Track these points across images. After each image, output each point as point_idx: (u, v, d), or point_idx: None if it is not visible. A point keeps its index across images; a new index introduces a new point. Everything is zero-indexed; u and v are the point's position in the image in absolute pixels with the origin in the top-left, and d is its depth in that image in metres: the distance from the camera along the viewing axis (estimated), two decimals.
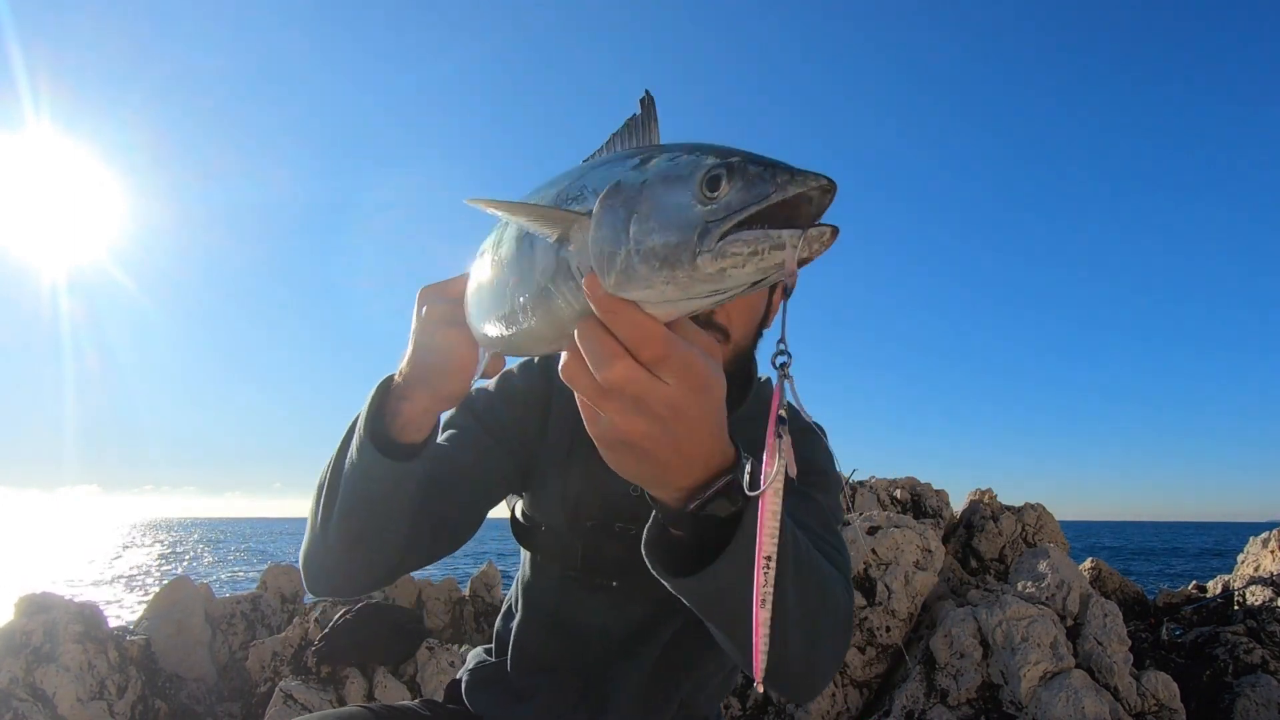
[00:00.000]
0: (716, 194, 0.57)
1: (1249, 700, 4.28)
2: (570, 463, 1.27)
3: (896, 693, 3.98)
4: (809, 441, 1.25)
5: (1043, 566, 4.39)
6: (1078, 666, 3.79)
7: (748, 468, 0.69)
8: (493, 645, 1.42)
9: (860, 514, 4.71)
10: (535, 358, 1.36)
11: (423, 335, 0.86)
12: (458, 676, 1.42)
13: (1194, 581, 7.24)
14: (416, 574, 6.30)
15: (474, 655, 1.44)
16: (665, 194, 0.59)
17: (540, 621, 1.30)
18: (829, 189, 0.57)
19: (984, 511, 6.13)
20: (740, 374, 1.30)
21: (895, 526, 4.42)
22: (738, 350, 1.24)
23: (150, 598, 5.03)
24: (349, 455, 0.95)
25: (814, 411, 0.72)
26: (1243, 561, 6.41)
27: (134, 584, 24.25)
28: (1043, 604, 4.08)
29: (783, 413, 0.62)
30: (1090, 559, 7.02)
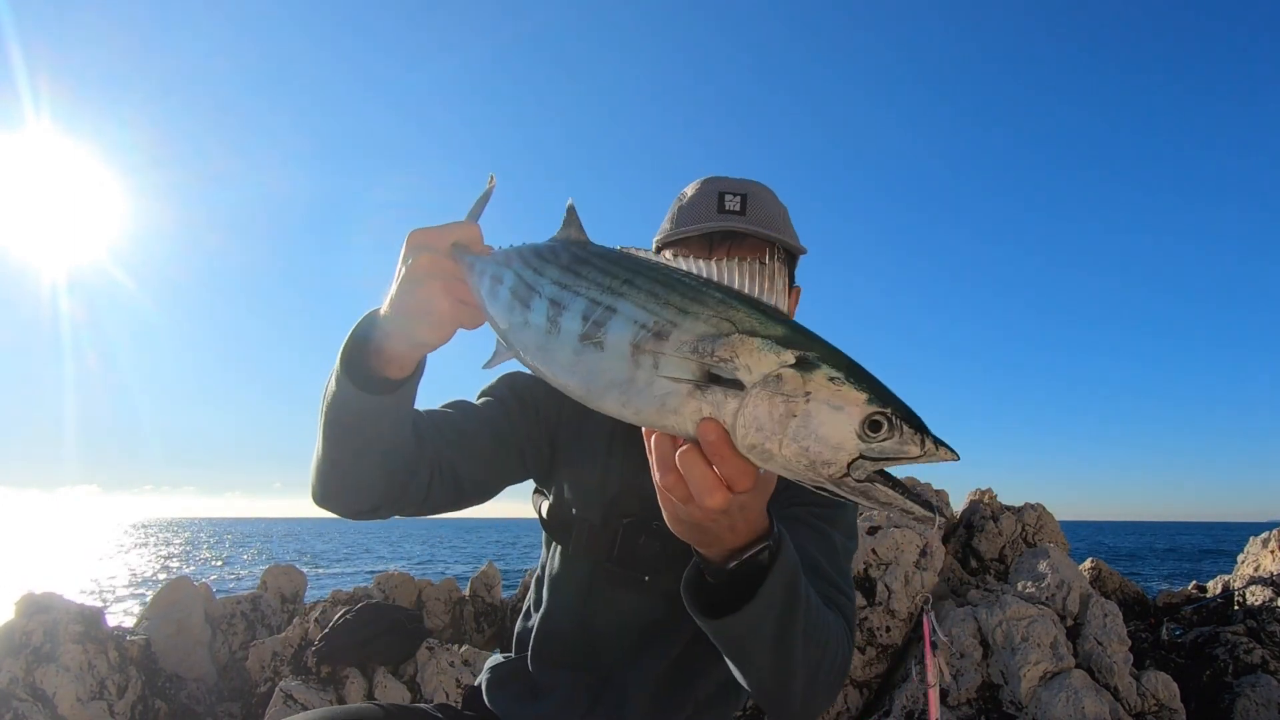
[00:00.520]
0: (876, 435, 0.67)
1: (1249, 700, 4.28)
2: (609, 458, 1.30)
3: (896, 693, 3.98)
4: None
5: (1043, 566, 4.39)
6: (1078, 666, 3.79)
7: (775, 530, 0.86)
8: (512, 649, 1.45)
9: (860, 514, 4.71)
10: None
11: (406, 282, 0.88)
12: (477, 683, 1.44)
13: (1194, 581, 7.25)
14: (416, 574, 6.30)
15: (492, 659, 1.47)
16: (831, 418, 0.67)
17: (565, 615, 1.33)
18: (954, 460, 0.70)
19: (984, 511, 6.13)
20: None
21: (895, 526, 4.42)
22: None
23: (150, 598, 5.04)
24: (328, 382, 0.97)
25: None
26: (1243, 561, 6.41)
27: (134, 584, 24.26)
28: (1043, 604, 4.08)
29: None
30: (1090, 559, 7.03)
